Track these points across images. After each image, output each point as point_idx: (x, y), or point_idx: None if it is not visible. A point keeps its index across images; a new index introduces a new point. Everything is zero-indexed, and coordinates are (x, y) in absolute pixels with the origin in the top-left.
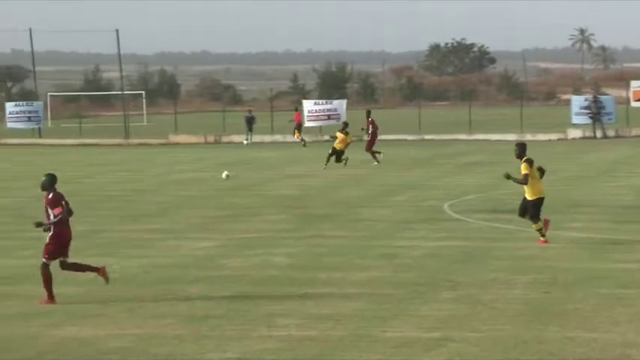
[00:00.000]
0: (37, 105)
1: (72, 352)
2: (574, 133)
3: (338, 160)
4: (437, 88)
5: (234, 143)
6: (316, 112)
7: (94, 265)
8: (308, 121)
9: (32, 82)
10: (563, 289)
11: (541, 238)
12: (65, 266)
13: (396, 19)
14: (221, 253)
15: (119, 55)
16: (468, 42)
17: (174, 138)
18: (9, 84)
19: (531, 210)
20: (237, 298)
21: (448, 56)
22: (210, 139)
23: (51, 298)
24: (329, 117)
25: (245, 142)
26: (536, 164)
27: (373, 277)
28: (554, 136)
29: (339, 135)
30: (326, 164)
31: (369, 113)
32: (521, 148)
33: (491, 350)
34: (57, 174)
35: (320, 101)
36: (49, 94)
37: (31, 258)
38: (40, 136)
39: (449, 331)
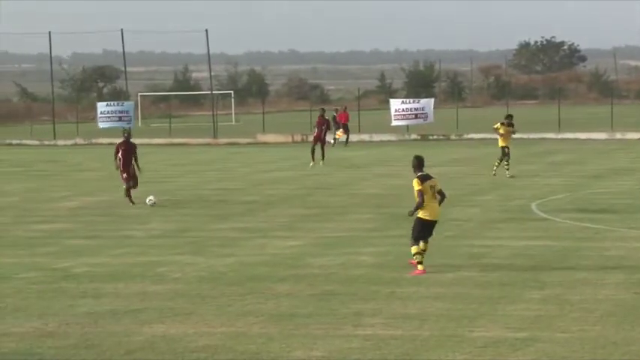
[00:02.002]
0: (128, 105)
1: (160, 350)
2: None
3: (508, 157)
4: (525, 86)
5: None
6: (403, 111)
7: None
8: (395, 120)
9: (123, 82)
10: None
11: (418, 267)
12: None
13: (484, 18)
14: (308, 252)
15: (208, 55)
16: (558, 40)
17: (262, 137)
18: (100, 84)
19: (415, 229)
20: (324, 296)
21: (537, 54)
22: (298, 138)
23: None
24: (416, 116)
25: (332, 141)
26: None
27: (460, 277)
28: None
29: (502, 127)
30: (497, 168)
31: (323, 111)
32: (416, 161)
33: (579, 351)
34: (147, 173)
35: (407, 100)
36: (140, 94)
37: (120, 256)
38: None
39: (536, 331)
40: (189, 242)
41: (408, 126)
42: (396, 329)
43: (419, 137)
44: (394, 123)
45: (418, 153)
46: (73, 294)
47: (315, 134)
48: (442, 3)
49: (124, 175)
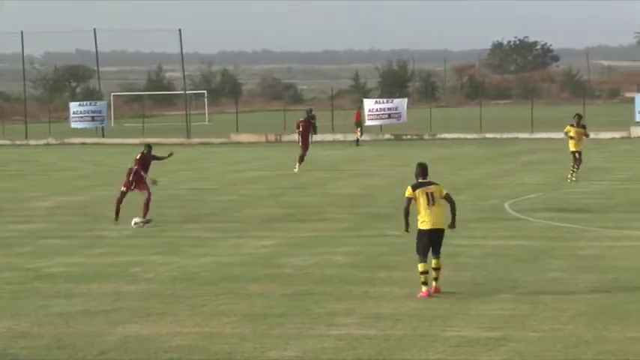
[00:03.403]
0: (101, 105)
1: (133, 350)
2: (638, 132)
3: (579, 163)
4: (499, 86)
5: (295, 142)
6: (377, 110)
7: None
8: (368, 120)
9: (96, 82)
10: (625, 289)
11: (422, 288)
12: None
13: (458, 18)
14: (282, 252)
15: (182, 54)
16: (531, 40)
17: (236, 137)
18: (73, 84)
19: (416, 243)
20: (298, 296)
21: (511, 54)
22: (271, 137)
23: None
24: (390, 116)
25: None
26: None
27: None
28: (617, 135)
29: (572, 130)
30: (574, 175)
31: (307, 112)
32: (418, 169)
33: (551, 350)
34: (121, 173)
35: (381, 100)
36: (113, 93)
37: (94, 256)
38: (103, 136)
39: (509, 330)
40: (164, 242)
41: (381, 126)
42: (369, 329)
43: (392, 137)
44: (368, 123)
45: (422, 161)
46: (46, 294)
47: (303, 142)
48: (416, 3)
49: (127, 187)
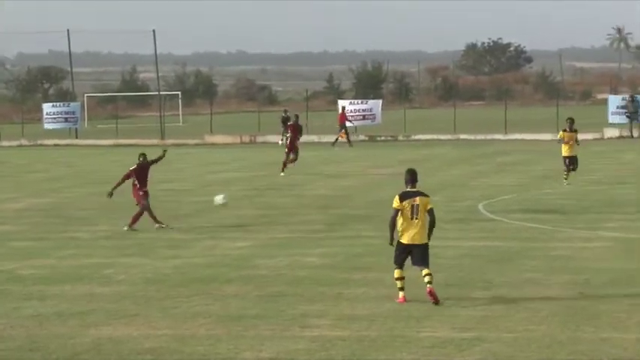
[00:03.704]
0: (74, 106)
1: (106, 352)
2: (610, 133)
3: (574, 167)
4: (473, 87)
5: (270, 143)
6: (351, 112)
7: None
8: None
9: (69, 83)
10: (598, 289)
11: (399, 294)
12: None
13: (432, 19)
14: (256, 253)
15: (155, 55)
16: (505, 41)
17: (210, 138)
18: (46, 85)
19: (394, 252)
20: (272, 298)
21: (484, 56)
22: (246, 139)
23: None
24: (364, 117)
25: (280, 142)
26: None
27: (408, 278)
28: (590, 136)
29: (565, 135)
30: (567, 179)
31: (295, 117)
32: (407, 176)
33: (525, 350)
34: (94, 174)
35: (355, 101)
36: (86, 94)
37: (67, 258)
38: (77, 137)
39: (483, 331)
40: (137, 244)
41: (356, 127)
42: (343, 330)
43: (367, 138)
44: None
45: (411, 167)
46: (18, 296)
47: (289, 145)
48: (390, 4)
49: (141, 193)
